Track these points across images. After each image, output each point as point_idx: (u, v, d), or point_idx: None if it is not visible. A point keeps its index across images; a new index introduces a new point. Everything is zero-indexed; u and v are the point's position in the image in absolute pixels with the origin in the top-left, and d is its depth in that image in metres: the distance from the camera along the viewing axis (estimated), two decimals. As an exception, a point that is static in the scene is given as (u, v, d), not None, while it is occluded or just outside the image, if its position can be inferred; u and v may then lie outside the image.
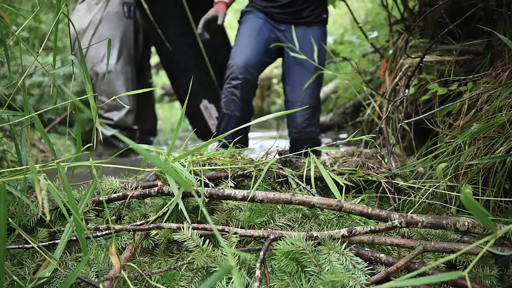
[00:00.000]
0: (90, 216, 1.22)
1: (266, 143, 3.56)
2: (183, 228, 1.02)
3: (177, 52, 3.37)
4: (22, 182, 1.20)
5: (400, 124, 1.53)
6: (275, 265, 0.95)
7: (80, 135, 1.06)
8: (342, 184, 1.19)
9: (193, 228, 1.03)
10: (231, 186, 1.27)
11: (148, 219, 1.13)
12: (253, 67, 2.43)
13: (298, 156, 1.51)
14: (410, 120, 1.48)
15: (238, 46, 2.51)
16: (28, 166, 0.97)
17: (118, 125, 3.61)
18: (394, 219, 1.00)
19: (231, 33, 3.37)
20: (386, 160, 1.48)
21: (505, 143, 1.23)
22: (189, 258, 0.98)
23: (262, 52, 2.49)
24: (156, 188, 1.16)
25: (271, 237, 0.99)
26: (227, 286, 0.92)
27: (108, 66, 3.31)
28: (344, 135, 4.35)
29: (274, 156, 1.36)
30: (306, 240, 0.96)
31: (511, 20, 1.64)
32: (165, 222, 1.12)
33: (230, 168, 1.32)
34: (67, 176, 0.89)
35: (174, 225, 1.04)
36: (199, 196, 1.11)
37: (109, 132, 3.57)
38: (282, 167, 1.36)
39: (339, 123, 4.23)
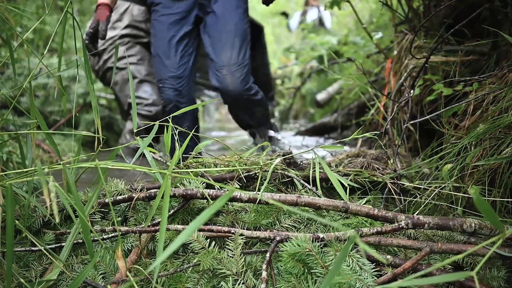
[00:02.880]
0: (96, 218, 1.22)
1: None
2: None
3: None
4: (27, 184, 1.21)
5: (405, 125, 1.53)
6: (281, 266, 0.95)
7: (81, 138, 1.07)
8: (347, 186, 1.19)
9: (199, 230, 1.04)
10: (236, 188, 1.27)
11: (154, 221, 1.13)
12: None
13: (302, 158, 1.51)
14: (416, 121, 1.48)
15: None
16: (35, 168, 0.98)
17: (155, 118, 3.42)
18: (401, 221, 1.00)
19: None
20: (391, 161, 1.48)
21: (511, 143, 1.22)
22: (195, 260, 0.98)
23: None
24: (161, 190, 1.16)
25: (277, 238, 0.99)
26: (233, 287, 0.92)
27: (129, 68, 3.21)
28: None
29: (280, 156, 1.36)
30: (312, 241, 0.95)
31: (516, 20, 1.63)
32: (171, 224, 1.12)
33: (235, 169, 1.32)
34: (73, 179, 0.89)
35: (180, 227, 1.04)
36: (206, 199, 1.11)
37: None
38: (286, 168, 1.36)
39: (343, 123, 4.22)
